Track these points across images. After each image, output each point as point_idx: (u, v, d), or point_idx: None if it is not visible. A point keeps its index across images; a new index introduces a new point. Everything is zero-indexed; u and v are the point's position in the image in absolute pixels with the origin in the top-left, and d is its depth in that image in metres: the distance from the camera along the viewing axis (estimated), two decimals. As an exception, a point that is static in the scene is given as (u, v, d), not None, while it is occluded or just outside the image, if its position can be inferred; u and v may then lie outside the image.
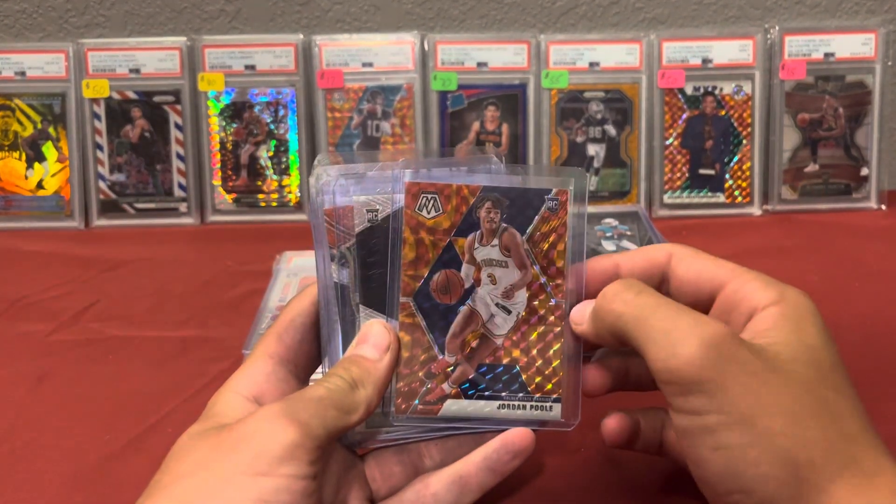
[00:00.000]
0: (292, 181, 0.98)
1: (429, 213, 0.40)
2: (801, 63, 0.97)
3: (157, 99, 0.97)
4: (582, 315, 0.40)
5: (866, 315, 0.69)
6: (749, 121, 0.97)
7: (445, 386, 0.41)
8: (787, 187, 0.98)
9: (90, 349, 0.67)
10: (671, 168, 0.97)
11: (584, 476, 0.49)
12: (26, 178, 0.97)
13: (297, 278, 0.72)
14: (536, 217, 0.41)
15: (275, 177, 0.98)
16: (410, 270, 0.40)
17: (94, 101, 0.96)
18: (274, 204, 0.98)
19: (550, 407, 0.41)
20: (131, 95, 0.96)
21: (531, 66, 0.97)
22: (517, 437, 0.41)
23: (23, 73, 0.97)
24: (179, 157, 0.97)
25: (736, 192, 0.97)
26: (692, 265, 0.41)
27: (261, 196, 0.98)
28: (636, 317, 0.37)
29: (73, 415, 0.57)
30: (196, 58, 0.96)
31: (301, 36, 0.97)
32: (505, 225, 0.41)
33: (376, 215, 0.42)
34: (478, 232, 0.41)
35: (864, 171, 0.98)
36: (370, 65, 0.97)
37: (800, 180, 0.98)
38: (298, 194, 0.98)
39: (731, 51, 0.97)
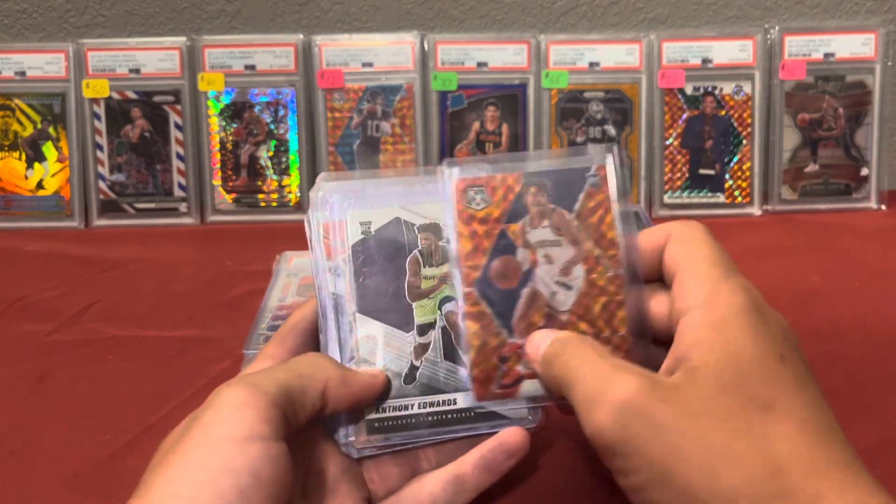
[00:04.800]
0: (292, 181, 0.98)
1: (478, 205, 0.42)
2: (801, 63, 0.97)
3: (157, 99, 0.97)
4: (530, 353, 0.41)
5: (866, 315, 0.69)
6: (749, 121, 0.97)
7: (520, 367, 0.41)
8: (787, 187, 0.98)
9: (90, 349, 0.67)
10: (671, 168, 0.97)
11: (583, 474, 0.49)
12: (26, 177, 0.97)
13: (297, 278, 0.72)
14: (581, 194, 0.43)
15: (275, 177, 0.98)
16: (469, 262, 0.42)
17: (94, 101, 0.96)
18: (274, 204, 0.98)
19: None
20: (131, 95, 0.96)
21: (531, 66, 0.97)
22: (512, 436, 0.42)
23: (23, 73, 0.97)
24: (179, 157, 0.97)
25: (736, 193, 0.97)
26: (672, 249, 0.40)
27: (261, 196, 0.98)
28: (567, 380, 0.37)
29: (72, 415, 0.57)
30: (196, 58, 0.96)
31: (301, 36, 0.97)
32: (553, 206, 0.42)
33: (369, 227, 0.44)
34: (527, 216, 0.42)
35: (864, 172, 0.98)
36: (370, 65, 0.97)
37: (800, 180, 0.98)
38: (298, 194, 0.98)
39: (731, 51, 0.97)
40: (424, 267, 0.44)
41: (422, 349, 0.43)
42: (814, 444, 0.33)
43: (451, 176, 0.43)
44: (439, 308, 0.44)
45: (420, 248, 0.44)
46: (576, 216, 0.42)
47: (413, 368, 0.43)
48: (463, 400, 0.43)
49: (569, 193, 0.42)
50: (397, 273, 0.44)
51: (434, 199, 0.45)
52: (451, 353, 0.44)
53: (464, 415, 0.43)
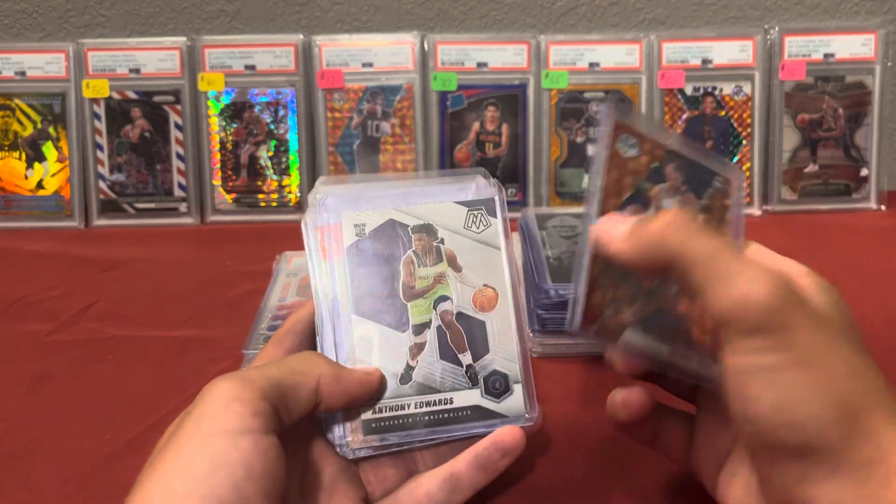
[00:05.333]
0: (292, 181, 0.98)
1: (629, 152, 0.42)
2: (801, 63, 0.97)
3: (157, 99, 0.97)
4: (613, 232, 0.38)
5: (866, 315, 0.69)
6: (749, 121, 0.97)
7: (627, 314, 0.41)
8: (787, 188, 0.98)
9: (90, 349, 0.67)
10: (671, 168, 0.97)
11: (581, 475, 0.49)
12: (26, 177, 0.97)
13: (296, 278, 0.72)
14: (709, 190, 0.44)
15: (275, 177, 0.98)
16: (609, 196, 0.41)
17: (94, 100, 0.96)
18: (274, 204, 0.98)
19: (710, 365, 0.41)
20: (131, 95, 0.96)
21: (531, 66, 0.97)
22: (507, 435, 0.42)
23: (23, 73, 0.97)
24: (179, 157, 0.97)
25: (736, 193, 0.97)
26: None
27: (261, 196, 0.98)
28: (702, 254, 0.35)
29: (72, 415, 0.57)
30: (196, 58, 0.96)
31: (301, 36, 0.97)
32: (686, 187, 0.43)
33: (364, 229, 0.44)
34: (665, 184, 0.43)
35: (864, 172, 0.98)
36: (370, 65, 0.97)
37: (799, 181, 0.98)
38: (298, 194, 0.98)
39: (730, 51, 0.97)
40: (419, 267, 0.44)
41: (417, 349, 0.43)
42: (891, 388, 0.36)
43: (610, 115, 0.42)
44: (434, 307, 0.44)
45: (414, 248, 0.45)
46: (702, 208, 0.43)
47: (409, 368, 0.43)
48: (461, 398, 0.43)
49: (699, 185, 0.44)
50: (392, 274, 0.44)
51: (428, 201, 0.45)
52: (446, 353, 0.44)
53: (460, 414, 0.43)
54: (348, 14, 1.01)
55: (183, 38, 0.97)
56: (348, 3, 1.01)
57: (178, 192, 0.97)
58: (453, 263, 0.45)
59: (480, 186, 0.46)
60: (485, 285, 0.45)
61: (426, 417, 0.43)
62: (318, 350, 0.43)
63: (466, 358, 0.44)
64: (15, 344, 0.68)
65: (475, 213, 0.46)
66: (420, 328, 0.44)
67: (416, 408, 0.43)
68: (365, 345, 0.43)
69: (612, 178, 0.41)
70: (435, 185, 0.46)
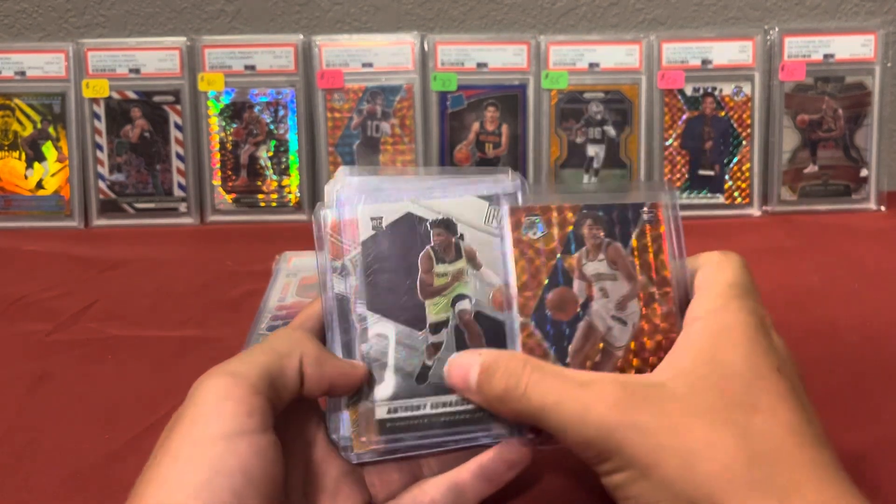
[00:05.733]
0: (292, 181, 0.98)
1: (535, 234, 0.42)
2: (801, 64, 0.97)
3: (156, 99, 0.97)
4: (465, 379, 0.40)
5: (866, 316, 0.69)
6: (749, 122, 0.97)
7: None
8: (787, 188, 0.98)
9: (90, 349, 0.67)
10: (671, 169, 0.97)
11: (586, 484, 0.49)
12: (26, 177, 0.97)
13: (296, 278, 0.72)
14: (636, 230, 0.43)
15: (274, 177, 0.98)
16: (526, 291, 0.42)
17: (94, 100, 0.96)
18: (274, 204, 0.98)
19: None
20: (131, 95, 0.96)
21: (531, 66, 0.97)
22: (514, 448, 0.41)
23: (22, 73, 0.97)
24: (179, 157, 0.97)
25: (735, 193, 0.97)
26: (699, 274, 0.41)
27: (260, 196, 0.98)
28: (539, 410, 0.37)
29: (72, 415, 0.57)
30: (196, 58, 0.96)
31: (301, 36, 0.97)
32: (608, 239, 0.42)
33: (381, 223, 0.43)
34: (584, 248, 0.42)
35: (864, 173, 0.98)
36: (370, 65, 0.97)
37: (799, 181, 0.98)
38: (298, 194, 0.98)
39: (730, 52, 0.97)
40: (437, 264, 0.43)
41: (434, 348, 0.42)
42: (796, 442, 0.34)
43: (506, 204, 0.42)
44: (452, 306, 0.43)
45: (433, 244, 0.43)
46: (631, 251, 0.42)
47: (425, 368, 0.42)
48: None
49: (624, 228, 0.43)
50: (409, 270, 0.43)
51: (448, 195, 0.44)
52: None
53: (477, 415, 0.42)
54: (348, 14, 1.01)
55: (183, 39, 0.97)
56: (348, 4, 1.01)
57: (177, 192, 0.97)
58: (473, 260, 0.43)
59: (502, 181, 0.45)
60: (506, 284, 0.43)
61: (442, 418, 0.41)
62: (328, 348, 0.42)
63: None
64: (15, 344, 0.68)
65: (497, 207, 0.44)
66: (437, 327, 0.42)
67: (432, 408, 0.42)
68: (381, 342, 0.42)
69: (522, 270, 0.42)
70: (456, 180, 0.45)
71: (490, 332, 0.43)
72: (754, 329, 0.37)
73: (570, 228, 0.42)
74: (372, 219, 0.42)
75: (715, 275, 0.40)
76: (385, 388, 0.41)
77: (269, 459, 0.34)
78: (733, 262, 0.41)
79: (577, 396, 0.36)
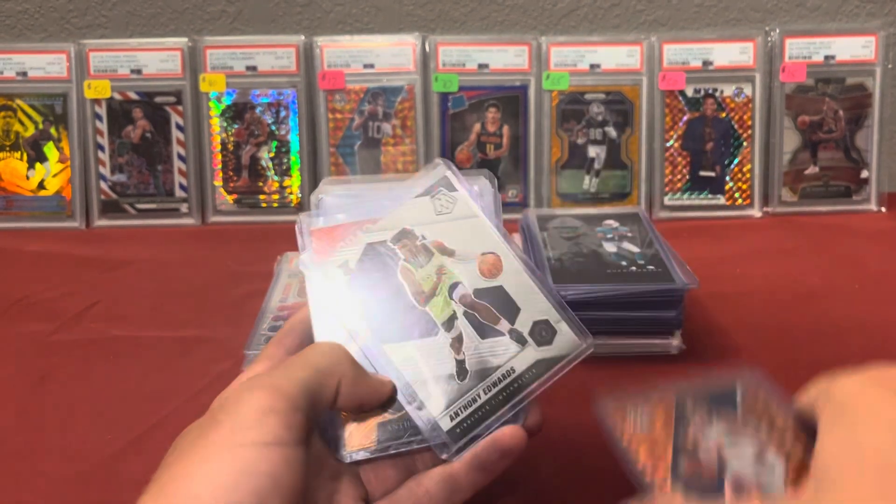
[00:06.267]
0: (293, 182, 0.98)
1: (643, 428, 0.42)
2: (802, 65, 0.97)
3: (158, 99, 0.97)
4: None
5: (866, 316, 0.69)
6: (749, 123, 0.97)
7: None
8: (788, 189, 0.98)
9: (91, 349, 0.67)
10: (672, 170, 0.98)
11: (582, 475, 0.49)
12: (28, 178, 0.97)
13: (297, 279, 0.72)
14: (739, 405, 0.43)
15: (276, 177, 0.98)
16: (657, 474, 0.40)
17: (96, 101, 0.96)
18: (275, 205, 0.98)
19: None
20: (133, 96, 0.97)
21: (532, 67, 0.97)
22: (507, 435, 0.42)
23: (24, 74, 0.97)
24: (181, 157, 0.97)
25: (736, 194, 0.98)
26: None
27: (262, 197, 0.98)
28: None
29: (74, 415, 0.57)
30: (197, 59, 0.97)
31: (302, 37, 0.97)
32: (714, 415, 0.42)
33: (349, 266, 0.45)
34: (693, 424, 0.42)
35: (864, 174, 0.98)
36: (371, 66, 0.97)
37: (800, 182, 0.98)
38: (299, 195, 0.98)
39: (731, 53, 0.97)
40: (416, 270, 0.45)
41: (457, 342, 0.43)
42: None
43: (603, 403, 0.43)
44: (451, 298, 0.44)
45: (402, 257, 0.45)
46: (742, 420, 0.42)
47: (460, 364, 0.43)
48: (519, 362, 0.43)
49: (723, 404, 0.43)
50: (396, 289, 0.44)
51: (394, 206, 0.46)
52: (484, 331, 0.44)
53: (527, 376, 0.43)
54: (350, 15, 1.02)
55: (184, 39, 0.97)
56: (350, 5, 1.01)
57: (179, 193, 0.97)
58: (444, 251, 0.45)
59: (429, 172, 0.47)
60: (482, 254, 0.45)
61: (500, 396, 0.43)
62: None
63: (504, 325, 0.44)
64: (17, 344, 0.68)
65: (437, 197, 0.46)
66: (449, 323, 0.44)
67: (485, 394, 0.43)
68: (411, 365, 0.43)
69: (646, 461, 0.41)
70: (396, 191, 0.47)
71: (495, 301, 0.44)
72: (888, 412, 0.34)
73: (675, 415, 0.42)
74: (339, 267, 0.44)
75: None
76: (437, 401, 0.42)
77: (297, 471, 0.35)
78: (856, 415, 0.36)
79: None
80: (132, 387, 0.61)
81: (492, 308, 0.44)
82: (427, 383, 0.43)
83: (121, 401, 0.59)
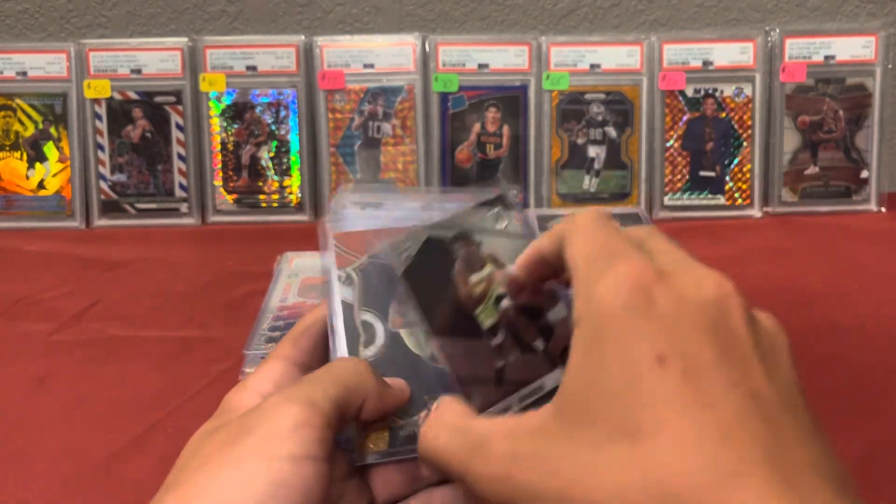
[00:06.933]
0: (293, 182, 0.98)
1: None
2: (802, 65, 0.97)
3: (158, 99, 0.97)
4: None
5: (866, 316, 0.69)
6: (749, 123, 0.97)
7: None
8: (788, 189, 0.98)
9: (91, 349, 0.67)
10: (672, 170, 0.98)
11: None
12: (27, 178, 0.97)
13: (298, 279, 0.72)
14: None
15: (276, 177, 0.98)
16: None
17: (96, 101, 0.96)
18: (275, 205, 0.98)
19: None
20: (133, 96, 0.97)
21: (532, 67, 0.97)
22: None
23: (24, 73, 0.97)
24: (181, 157, 0.97)
25: (736, 195, 0.98)
26: (564, 253, 0.37)
27: (262, 197, 0.98)
28: (450, 471, 0.36)
29: (74, 415, 0.57)
30: (197, 58, 0.97)
31: (302, 37, 0.97)
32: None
33: (408, 251, 0.45)
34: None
35: (864, 174, 0.98)
36: (371, 66, 0.97)
37: (800, 182, 0.98)
38: (299, 195, 0.98)
39: (731, 53, 0.97)
40: (470, 274, 0.46)
41: (499, 350, 0.44)
42: (705, 463, 0.26)
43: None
44: (496, 308, 0.45)
45: (460, 257, 0.46)
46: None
47: (500, 371, 0.44)
48: (549, 381, 0.43)
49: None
50: (449, 288, 0.45)
51: (454, 207, 0.47)
52: (522, 346, 0.44)
53: (552, 395, 0.44)
54: (350, 15, 1.02)
55: (184, 39, 0.97)
56: (350, 4, 1.01)
57: (179, 193, 0.97)
58: (496, 262, 0.46)
59: (486, 190, 0.48)
60: None
61: (528, 409, 0.43)
62: (331, 352, 0.43)
63: (539, 344, 0.45)
64: (16, 344, 0.68)
65: (496, 210, 0.48)
66: (492, 331, 0.45)
67: (518, 403, 0.43)
68: (455, 364, 0.44)
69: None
70: (451, 196, 0.48)
71: (534, 320, 0.45)
72: (626, 312, 0.30)
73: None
74: (400, 253, 0.45)
75: (569, 254, 0.35)
76: (474, 402, 0.42)
77: (325, 486, 0.35)
78: (581, 224, 0.35)
79: (461, 450, 0.35)
80: (132, 387, 0.61)
81: (530, 326, 0.45)
82: (468, 384, 0.43)
83: (120, 401, 0.59)
